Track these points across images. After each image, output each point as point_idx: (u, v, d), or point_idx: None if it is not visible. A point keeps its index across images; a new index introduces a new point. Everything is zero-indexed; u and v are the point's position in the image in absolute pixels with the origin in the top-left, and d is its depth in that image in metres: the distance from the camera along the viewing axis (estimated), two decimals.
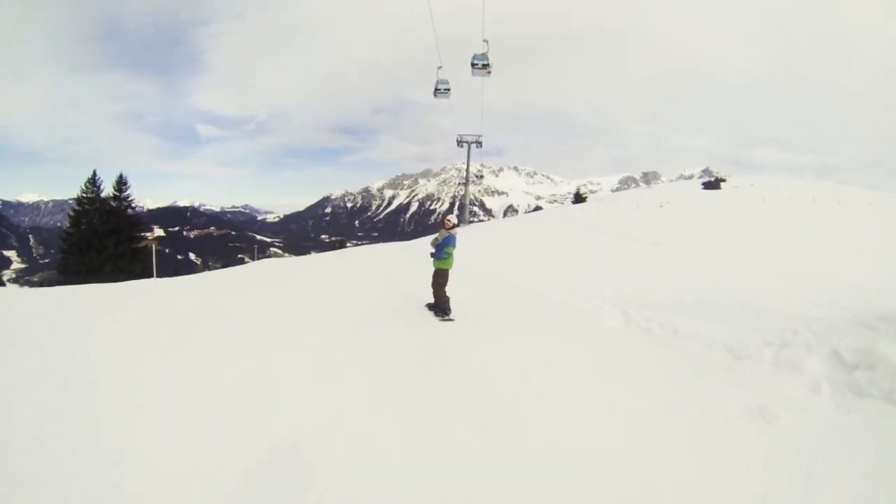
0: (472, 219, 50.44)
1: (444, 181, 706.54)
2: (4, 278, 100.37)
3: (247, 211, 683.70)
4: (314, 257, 26.77)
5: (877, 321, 8.16)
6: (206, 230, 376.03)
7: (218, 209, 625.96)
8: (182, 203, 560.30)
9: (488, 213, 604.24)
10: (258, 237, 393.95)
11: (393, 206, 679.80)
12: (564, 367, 7.36)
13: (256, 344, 8.20)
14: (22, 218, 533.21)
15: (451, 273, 10.89)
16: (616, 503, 4.12)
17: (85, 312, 10.63)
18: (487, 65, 28.15)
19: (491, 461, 4.70)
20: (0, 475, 4.32)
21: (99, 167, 39.29)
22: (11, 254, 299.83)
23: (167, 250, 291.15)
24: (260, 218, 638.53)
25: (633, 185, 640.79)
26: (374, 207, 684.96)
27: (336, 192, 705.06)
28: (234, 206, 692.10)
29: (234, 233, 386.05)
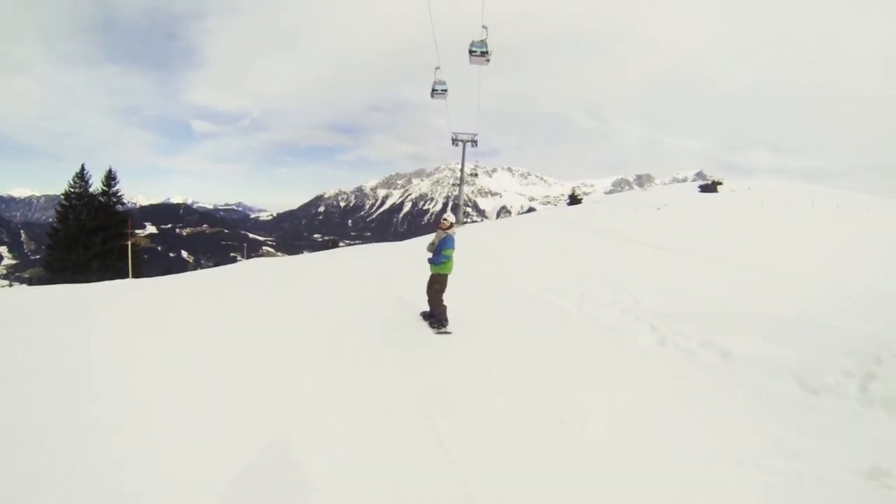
0: (465, 219, 49.66)
1: (438, 181, 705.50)
2: None
3: (240, 209, 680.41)
4: (305, 257, 26.11)
5: None
6: (198, 228, 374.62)
7: (211, 207, 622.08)
8: (175, 200, 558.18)
9: (482, 213, 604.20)
10: (251, 235, 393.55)
11: (386, 206, 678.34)
12: (613, 413, 5.86)
13: (218, 368, 7.14)
14: (14, 213, 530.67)
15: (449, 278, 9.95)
16: None
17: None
18: (486, 52, 26.84)
19: None
20: None
21: (93, 162, 38.62)
22: (2, 249, 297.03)
23: (159, 248, 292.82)
24: (253, 216, 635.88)
25: (627, 187, 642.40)
26: (367, 207, 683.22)
27: (329, 191, 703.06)
28: (227, 204, 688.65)
29: (226, 231, 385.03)
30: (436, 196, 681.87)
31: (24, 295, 14.89)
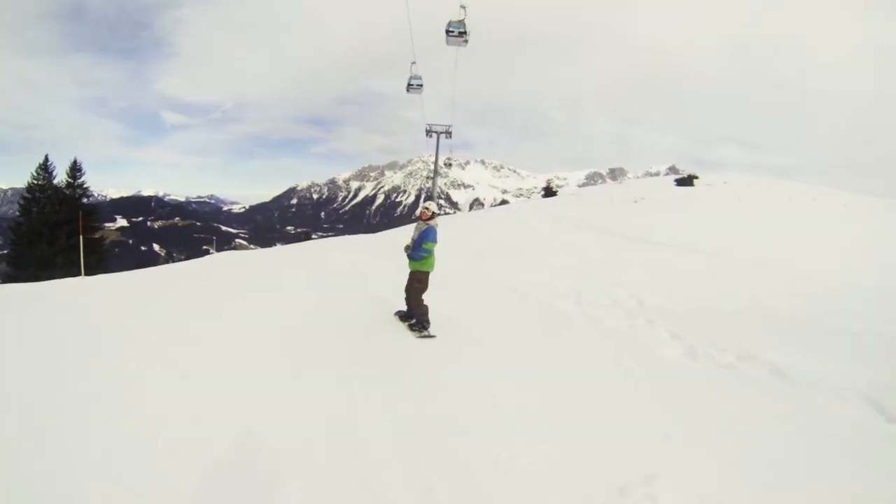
0: (439, 211, 48.80)
1: (411, 173, 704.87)
2: None
3: (212, 201, 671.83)
4: (275, 250, 25.30)
5: None
6: (170, 221, 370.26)
7: (183, 199, 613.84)
8: (146, 193, 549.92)
9: (454, 206, 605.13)
10: (223, 228, 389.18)
11: (359, 198, 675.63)
12: (681, 469, 4.55)
13: (156, 386, 5.84)
14: None
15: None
16: None
17: None
18: (464, 32, 24.57)
19: None
20: None
21: (62, 154, 37.24)
22: None
23: (130, 241, 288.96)
24: (226, 208, 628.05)
25: (600, 180, 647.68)
26: (340, 199, 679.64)
27: (302, 183, 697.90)
28: (199, 197, 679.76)
29: (199, 223, 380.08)
30: (409, 188, 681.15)
31: None
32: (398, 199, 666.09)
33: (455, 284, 12.11)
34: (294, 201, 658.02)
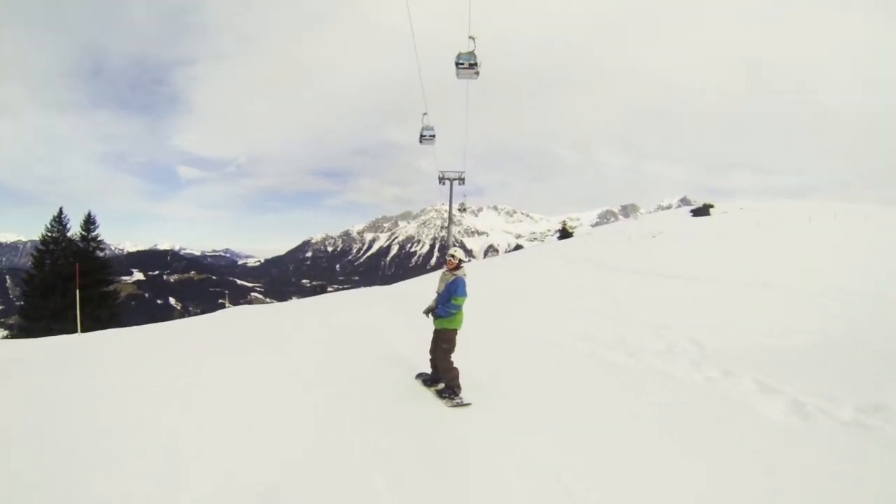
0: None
1: (424, 223, 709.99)
2: None
3: (227, 255, 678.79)
4: (289, 305, 24.54)
5: None
6: (186, 274, 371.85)
7: (198, 253, 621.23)
8: (162, 246, 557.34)
9: (469, 253, 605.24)
10: (239, 282, 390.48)
11: (373, 250, 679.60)
12: None
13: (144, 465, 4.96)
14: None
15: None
16: None
17: None
18: (475, 64, 22.17)
19: None
20: None
21: (81, 208, 37.17)
22: None
23: (146, 294, 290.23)
24: (241, 262, 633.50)
25: (613, 218, 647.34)
26: (354, 251, 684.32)
27: (316, 236, 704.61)
28: (214, 251, 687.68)
29: (214, 277, 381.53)
30: (423, 238, 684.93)
31: None
32: (413, 250, 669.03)
33: (481, 338, 10.89)
34: (309, 254, 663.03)
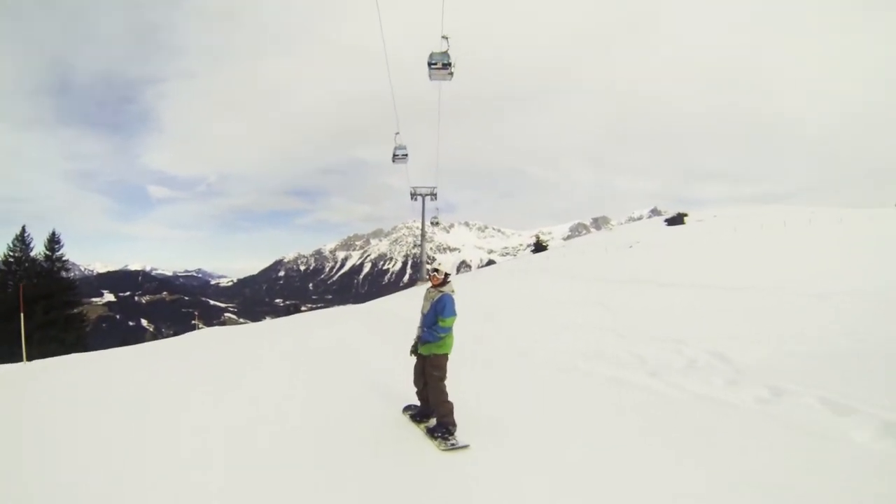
0: (427, 276, 48.14)
1: (396, 240, 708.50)
2: None
3: (200, 275, 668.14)
4: (263, 325, 23.48)
5: None
6: (158, 295, 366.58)
7: (170, 273, 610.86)
8: (133, 267, 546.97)
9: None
10: (212, 302, 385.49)
11: (346, 268, 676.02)
12: None
13: None
14: None
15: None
16: None
17: None
18: (449, 64, 22.54)
19: None
20: None
21: (47, 227, 35.40)
22: None
23: (118, 316, 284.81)
24: (213, 282, 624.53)
25: (584, 231, 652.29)
26: (327, 269, 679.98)
27: (289, 255, 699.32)
28: (186, 271, 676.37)
29: (186, 298, 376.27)
30: (395, 255, 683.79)
31: None
32: (385, 267, 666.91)
33: (476, 360, 9.74)
34: (282, 273, 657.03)
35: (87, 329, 38.31)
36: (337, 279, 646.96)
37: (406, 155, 38.78)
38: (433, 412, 6.34)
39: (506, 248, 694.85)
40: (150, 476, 5.07)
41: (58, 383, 9.98)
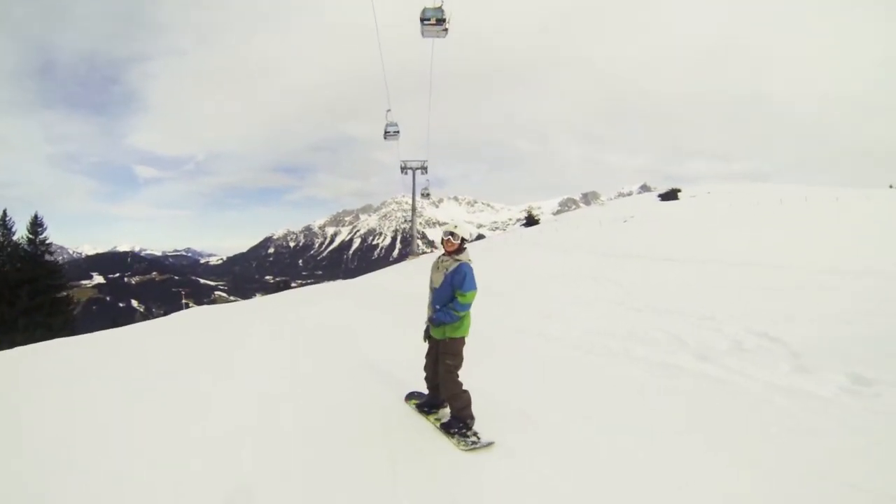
0: (419, 250, 47.76)
1: (385, 215, 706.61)
2: None
3: (189, 254, 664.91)
4: (253, 303, 22.70)
5: None
6: (148, 276, 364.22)
7: (160, 253, 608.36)
8: (122, 248, 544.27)
9: (430, 244, 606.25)
10: (202, 281, 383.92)
11: (335, 244, 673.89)
12: None
13: None
14: None
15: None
16: None
17: None
18: (443, 20, 20.67)
19: None
20: None
21: (33, 211, 34.17)
22: None
23: (108, 298, 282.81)
24: (203, 261, 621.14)
25: (574, 206, 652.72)
26: (316, 245, 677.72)
27: (278, 232, 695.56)
28: (175, 250, 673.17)
29: (176, 277, 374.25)
30: (384, 230, 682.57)
31: None
32: (375, 242, 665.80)
33: (487, 341, 8.39)
34: (271, 250, 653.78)
35: (75, 312, 37.58)
36: (326, 255, 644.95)
37: (398, 132, 39.17)
38: (443, 402, 5.54)
39: (495, 222, 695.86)
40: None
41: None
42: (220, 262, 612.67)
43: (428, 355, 5.65)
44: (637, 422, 5.26)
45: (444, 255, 5.49)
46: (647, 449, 4.61)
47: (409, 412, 5.79)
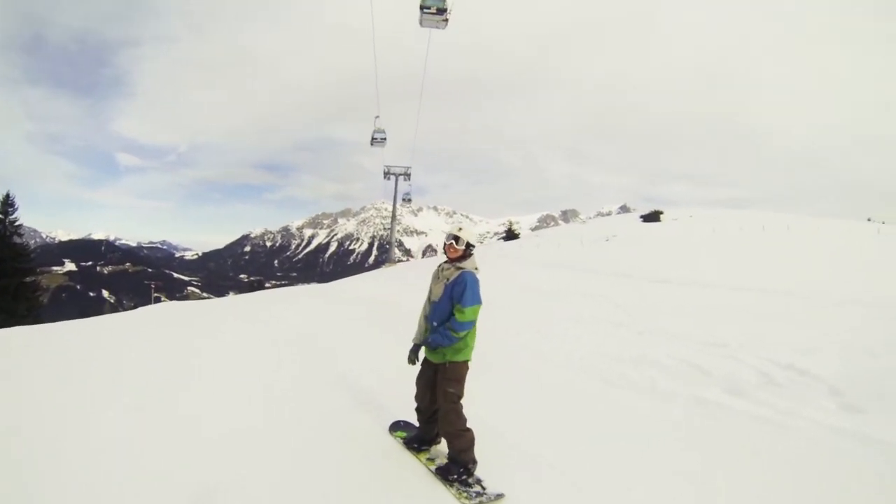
0: (398, 258, 47.42)
1: (364, 221, 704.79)
2: None
3: (164, 247, 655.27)
4: (224, 302, 21.87)
5: None
6: (121, 266, 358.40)
7: (134, 244, 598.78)
8: (97, 236, 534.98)
9: (407, 253, 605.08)
10: (175, 275, 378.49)
11: (312, 246, 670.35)
12: None
13: None
14: None
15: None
16: None
17: None
18: (444, 10, 19.10)
19: None
20: None
21: (4, 190, 32.31)
22: None
23: (78, 286, 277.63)
24: (178, 255, 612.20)
25: (552, 223, 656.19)
26: (293, 247, 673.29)
27: (256, 231, 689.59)
28: (151, 242, 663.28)
29: (150, 270, 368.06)
30: (362, 236, 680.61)
31: None
32: (351, 247, 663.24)
33: (486, 364, 6.75)
34: (247, 248, 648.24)
35: (43, 299, 36.51)
36: (303, 257, 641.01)
37: (384, 139, 39.69)
38: (437, 438, 4.65)
39: None
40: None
41: None
42: (195, 257, 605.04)
43: (419, 380, 4.67)
44: (692, 475, 4.39)
45: (445, 262, 4.53)
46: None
47: (395, 447, 4.79)
